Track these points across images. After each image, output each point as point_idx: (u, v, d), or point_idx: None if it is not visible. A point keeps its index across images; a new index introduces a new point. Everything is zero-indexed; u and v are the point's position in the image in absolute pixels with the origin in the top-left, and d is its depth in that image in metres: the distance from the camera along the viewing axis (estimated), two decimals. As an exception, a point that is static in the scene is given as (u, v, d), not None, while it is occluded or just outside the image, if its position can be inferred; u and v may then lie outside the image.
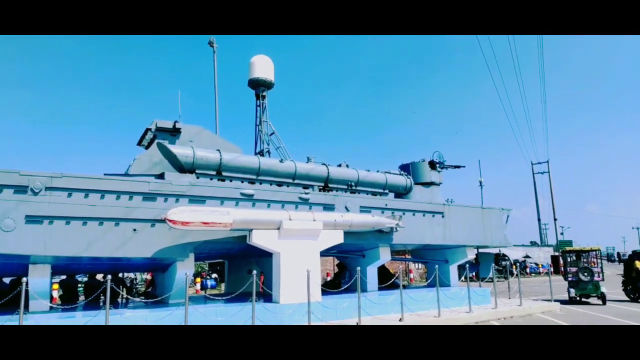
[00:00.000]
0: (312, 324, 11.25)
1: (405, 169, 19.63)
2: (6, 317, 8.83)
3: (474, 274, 23.27)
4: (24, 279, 9.02)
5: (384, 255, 16.22)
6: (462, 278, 17.36)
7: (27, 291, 8.97)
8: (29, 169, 10.65)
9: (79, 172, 11.33)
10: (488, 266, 20.75)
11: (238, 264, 17.90)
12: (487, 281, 23.20)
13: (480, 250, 20.85)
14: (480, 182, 33.62)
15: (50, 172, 10.81)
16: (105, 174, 11.84)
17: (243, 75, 19.22)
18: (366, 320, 12.45)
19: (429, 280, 17.61)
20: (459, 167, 21.62)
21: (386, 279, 17.36)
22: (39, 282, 10.69)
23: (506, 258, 38.47)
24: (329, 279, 26.01)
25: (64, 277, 13.92)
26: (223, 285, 24.61)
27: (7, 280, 13.05)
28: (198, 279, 25.03)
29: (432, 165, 19.81)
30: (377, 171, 17.47)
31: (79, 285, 13.93)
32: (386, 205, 16.57)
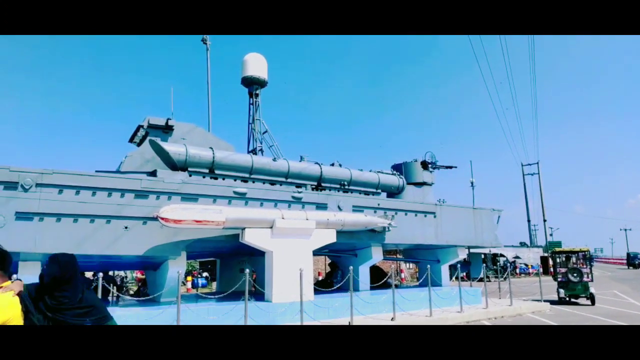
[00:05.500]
0: (304, 323, 11.24)
1: (398, 168, 19.69)
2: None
3: (464, 274, 23.40)
4: (14, 276, 8.91)
5: (376, 255, 16.26)
6: (454, 278, 17.46)
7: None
8: (17, 164, 10.53)
9: (69, 168, 11.20)
10: (479, 266, 20.89)
11: (230, 263, 17.84)
12: (478, 281, 23.36)
13: (472, 250, 20.97)
14: (472, 183, 33.72)
15: (40, 168, 10.68)
16: (96, 171, 11.72)
17: (236, 73, 19.16)
18: (358, 319, 12.47)
19: (421, 280, 17.68)
20: (450, 167, 21.73)
21: (378, 279, 17.41)
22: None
23: (504, 257, 38.82)
24: (320, 278, 26.03)
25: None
26: (214, 284, 24.52)
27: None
28: (189, 278, 24.91)
29: (424, 165, 19.90)
30: (370, 171, 17.51)
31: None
32: (379, 204, 16.60)
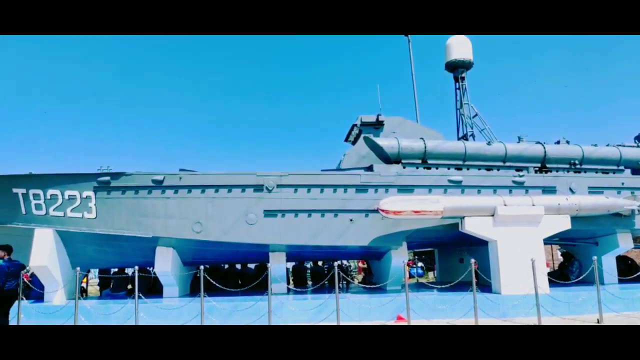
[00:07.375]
0: (542, 317, 10.24)
1: (645, 138, 16.32)
2: (258, 297, 10.43)
3: None
4: (269, 264, 10.52)
5: (624, 243, 13.84)
6: None
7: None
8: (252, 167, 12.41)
9: (290, 169, 12.60)
10: None
11: (448, 252, 17.58)
12: None
13: None
14: None
15: (279, 171, 12.36)
16: (322, 170, 12.95)
17: (438, 59, 18.69)
18: (608, 317, 10.76)
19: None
20: None
21: (627, 271, 14.80)
22: (278, 267, 12.35)
23: None
24: (548, 269, 23.49)
25: (293, 263, 15.77)
26: (430, 274, 24.54)
27: (251, 265, 15.47)
28: (407, 267, 25.45)
29: (684, 131, 15.99)
30: (607, 145, 14.96)
31: (307, 271, 15.62)
32: (623, 184, 14.12)
